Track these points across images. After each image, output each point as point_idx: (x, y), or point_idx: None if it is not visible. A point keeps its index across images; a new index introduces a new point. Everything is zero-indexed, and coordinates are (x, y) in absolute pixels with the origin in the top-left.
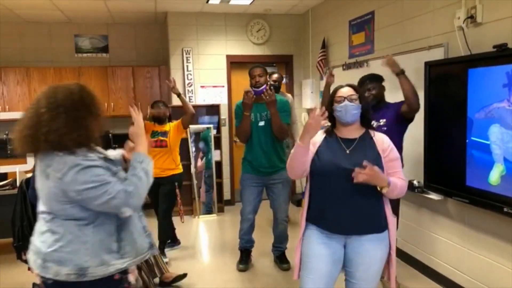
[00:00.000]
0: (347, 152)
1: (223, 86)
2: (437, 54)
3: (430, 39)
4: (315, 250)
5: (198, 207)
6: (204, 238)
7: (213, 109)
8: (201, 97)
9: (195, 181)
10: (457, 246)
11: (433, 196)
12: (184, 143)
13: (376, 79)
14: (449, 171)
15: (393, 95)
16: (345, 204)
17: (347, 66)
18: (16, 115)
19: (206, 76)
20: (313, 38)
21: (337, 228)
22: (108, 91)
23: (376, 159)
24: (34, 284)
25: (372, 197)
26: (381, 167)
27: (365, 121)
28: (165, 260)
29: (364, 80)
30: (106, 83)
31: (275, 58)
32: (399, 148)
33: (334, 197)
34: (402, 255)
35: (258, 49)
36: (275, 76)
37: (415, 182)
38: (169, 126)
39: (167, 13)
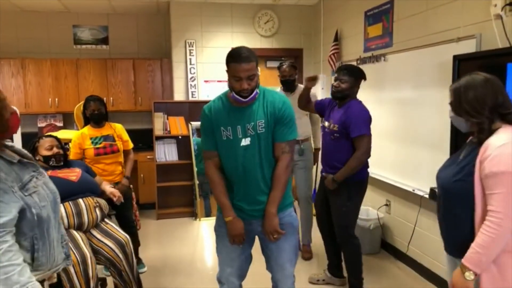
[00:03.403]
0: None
1: None
2: (468, 47)
3: (459, 30)
4: None
5: (199, 209)
6: (201, 244)
7: None
8: (204, 92)
9: (197, 181)
10: None
11: None
12: (185, 140)
13: (354, 73)
14: None
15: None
16: None
17: (362, 61)
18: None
19: (210, 70)
20: (324, 30)
21: None
22: (107, 85)
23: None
24: None
25: None
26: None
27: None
28: (143, 270)
29: (342, 69)
30: (105, 76)
31: (284, 51)
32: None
33: None
34: (435, 279)
35: (266, 42)
36: (284, 67)
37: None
38: (112, 129)
39: (170, 3)
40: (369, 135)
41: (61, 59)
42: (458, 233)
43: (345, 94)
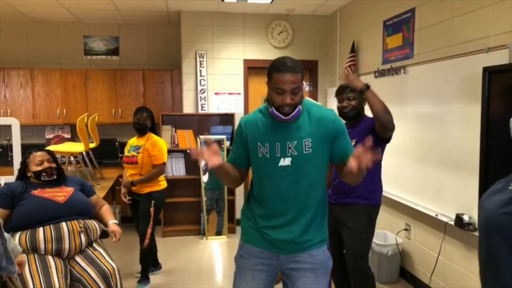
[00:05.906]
0: None
1: (239, 94)
2: (499, 58)
3: (489, 39)
4: None
5: (206, 227)
6: (207, 265)
7: (227, 119)
8: (214, 105)
9: (204, 198)
10: None
11: None
12: None
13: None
14: None
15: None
16: None
17: (380, 73)
18: (12, 121)
19: (221, 82)
20: (341, 41)
21: None
22: (116, 97)
23: None
24: None
25: None
26: None
27: None
28: (146, 287)
29: (345, 88)
30: (115, 87)
31: None
32: (376, 177)
33: None
34: None
35: (279, 53)
36: None
37: (465, 217)
38: (148, 142)
39: (180, 13)
40: None
41: (70, 69)
42: (500, 284)
43: (358, 111)
